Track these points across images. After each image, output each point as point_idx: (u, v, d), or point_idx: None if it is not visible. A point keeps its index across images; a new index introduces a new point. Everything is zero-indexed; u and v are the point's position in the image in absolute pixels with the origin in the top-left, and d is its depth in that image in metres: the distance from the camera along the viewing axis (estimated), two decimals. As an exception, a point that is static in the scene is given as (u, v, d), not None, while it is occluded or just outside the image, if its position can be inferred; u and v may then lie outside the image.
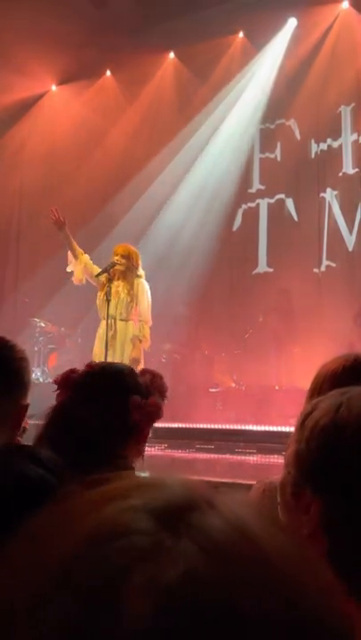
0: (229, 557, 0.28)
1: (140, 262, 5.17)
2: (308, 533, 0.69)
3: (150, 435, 1.35)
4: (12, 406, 1.27)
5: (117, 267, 5.02)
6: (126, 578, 0.27)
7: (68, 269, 5.42)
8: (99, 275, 5.08)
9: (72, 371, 1.32)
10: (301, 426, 0.76)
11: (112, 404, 1.26)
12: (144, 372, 1.36)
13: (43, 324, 8.19)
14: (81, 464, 1.07)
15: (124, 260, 5.03)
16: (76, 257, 5.30)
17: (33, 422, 1.45)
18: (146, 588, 0.27)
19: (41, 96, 9.77)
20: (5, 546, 0.31)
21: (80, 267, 5.25)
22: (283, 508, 0.76)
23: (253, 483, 1.39)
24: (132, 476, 0.35)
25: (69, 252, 5.37)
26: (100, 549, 0.28)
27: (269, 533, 0.30)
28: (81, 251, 5.37)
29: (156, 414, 1.32)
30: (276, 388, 7.32)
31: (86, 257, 5.33)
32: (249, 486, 1.41)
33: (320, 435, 0.72)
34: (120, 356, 4.91)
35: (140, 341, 5.08)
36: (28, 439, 1.34)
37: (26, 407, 1.31)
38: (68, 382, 1.29)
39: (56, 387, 1.31)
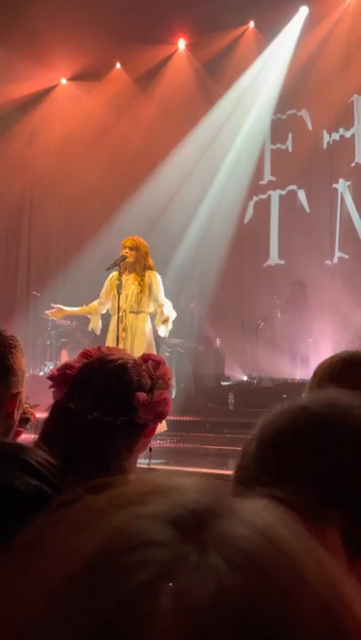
0: (262, 571, 0.25)
1: (149, 253, 5.15)
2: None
3: (165, 426, 1.28)
4: (3, 395, 1.23)
5: (127, 259, 5.00)
6: (150, 598, 0.23)
7: (90, 327, 5.40)
8: (108, 268, 5.07)
9: (68, 366, 1.22)
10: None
11: (115, 402, 1.17)
12: (145, 358, 1.26)
13: (54, 319, 8.20)
14: (84, 467, 1.01)
15: (132, 252, 5.01)
16: (89, 312, 5.31)
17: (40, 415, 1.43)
18: (173, 610, 0.23)
19: (52, 88, 9.77)
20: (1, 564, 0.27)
21: (97, 315, 5.25)
22: None
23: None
24: (142, 480, 0.30)
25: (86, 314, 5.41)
26: (114, 564, 0.24)
27: (298, 539, 0.27)
28: (85, 308, 5.37)
29: (165, 411, 1.22)
30: (289, 380, 7.29)
31: (92, 304, 5.32)
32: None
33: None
34: (130, 349, 4.90)
35: (151, 337, 5.07)
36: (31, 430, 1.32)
37: (17, 395, 1.26)
38: (64, 378, 1.20)
39: (51, 383, 1.22)
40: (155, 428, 1.24)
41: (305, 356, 7.34)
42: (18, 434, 1.37)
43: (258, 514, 0.27)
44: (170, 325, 5.03)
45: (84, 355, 1.25)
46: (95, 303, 5.26)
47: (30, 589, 0.25)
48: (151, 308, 5.09)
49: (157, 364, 1.25)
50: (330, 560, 0.27)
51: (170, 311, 5.00)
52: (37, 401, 1.50)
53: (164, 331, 5.03)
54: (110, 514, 0.26)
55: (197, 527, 0.26)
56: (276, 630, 0.24)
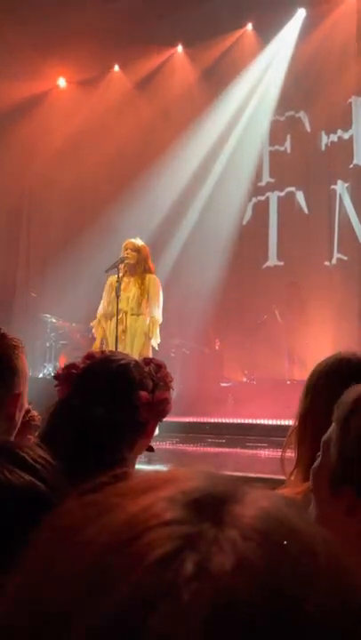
0: (276, 545, 0.27)
1: (150, 257, 5.15)
2: (356, 533, 0.68)
3: (157, 431, 1.30)
4: (4, 395, 1.25)
5: (127, 260, 5.00)
6: (174, 568, 0.26)
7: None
8: (108, 270, 5.07)
9: (73, 366, 1.26)
10: (345, 423, 0.73)
11: (117, 400, 1.20)
12: (147, 361, 1.31)
13: (54, 320, 8.21)
14: (85, 464, 1.03)
15: (134, 254, 5.01)
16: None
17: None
18: (197, 576, 0.25)
19: (51, 90, 9.78)
20: (22, 549, 0.30)
21: (106, 323, 5.24)
22: (316, 496, 0.75)
23: (264, 476, 1.38)
24: (157, 471, 0.33)
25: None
26: (140, 540, 0.27)
27: (305, 522, 0.30)
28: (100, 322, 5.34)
29: (165, 410, 1.26)
30: (288, 382, 7.30)
31: (100, 319, 5.30)
32: (260, 480, 1.40)
33: None
34: (130, 350, 4.91)
35: (150, 338, 5.07)
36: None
37: (18, 396, 1.27)
38: (69, 377, 1.24)
39: (56, 382, 1.26)
40: (155, 428, 1.26)
41: (303, 357, 7.34)
42: (27, 442, 1.37)
43: (266, 498, 0.30)
44: (157, 333, 5.11)
45: (89, 357, 1.29)
46: (100, 312, 5.25)
47: (68, 564, 0.28)
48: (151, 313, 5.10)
49: (158, 367, 1.29)
50: (334, 538, 0.30)
51: (152, 328, 5.06)
52: (37, 403, 1.50)
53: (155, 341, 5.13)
54: (134, 497, 0.29)
55: (213, 508, 0.28)
56: (290, 593, 0.26)
